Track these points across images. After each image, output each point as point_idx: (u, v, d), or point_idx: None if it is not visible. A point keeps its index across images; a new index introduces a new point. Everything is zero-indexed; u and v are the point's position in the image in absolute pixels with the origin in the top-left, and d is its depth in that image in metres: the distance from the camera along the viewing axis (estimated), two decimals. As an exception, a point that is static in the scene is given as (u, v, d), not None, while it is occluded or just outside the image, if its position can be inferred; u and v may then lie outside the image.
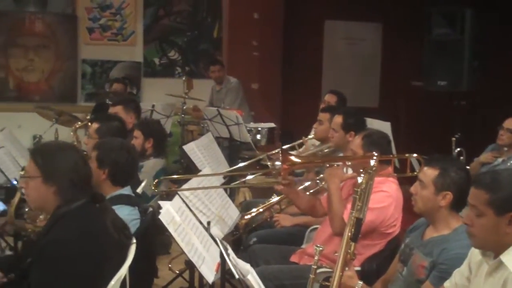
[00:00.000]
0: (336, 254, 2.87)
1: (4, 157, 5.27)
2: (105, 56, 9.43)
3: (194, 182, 3.99)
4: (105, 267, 2.78)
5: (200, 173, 4.36)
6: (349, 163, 3.89)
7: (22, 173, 3.77)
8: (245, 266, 2.63)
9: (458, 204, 3.09)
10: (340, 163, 3.86)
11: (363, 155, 3.74)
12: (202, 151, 5.55)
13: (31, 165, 2.89)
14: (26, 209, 4.80)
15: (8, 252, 5.54)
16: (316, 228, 4.27)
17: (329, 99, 6.52)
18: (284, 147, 5.21)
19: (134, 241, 2.98)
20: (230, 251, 2.66)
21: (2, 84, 9.19)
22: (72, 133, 5.89)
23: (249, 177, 5.43)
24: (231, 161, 6.39)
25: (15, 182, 4.96)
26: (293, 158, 3.65)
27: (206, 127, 7.61)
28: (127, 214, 3.42)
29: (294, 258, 4.06)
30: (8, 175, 5.15)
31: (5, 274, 3.08)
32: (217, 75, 8.65)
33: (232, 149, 7.27)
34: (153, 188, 4.32)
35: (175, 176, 4.53)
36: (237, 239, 4.97)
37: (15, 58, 9.19)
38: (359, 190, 2.94)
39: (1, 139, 5.79)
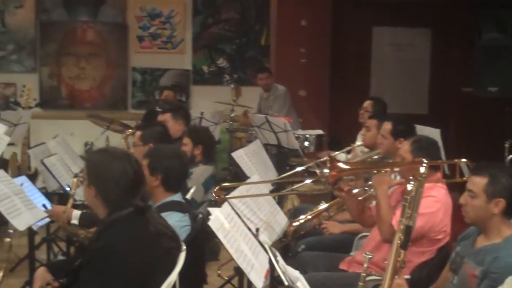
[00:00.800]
0: (386, 262, 2.86)
1: (57, 163, 5.36)
2: (155, 64, 9.55)
3: (243, 189, 4.02)
4: (154, 274, 2.82)
5: (249, 180, 4.38)
6: (398, 169, 3.87)
7: (75, 180, 3.86)
8: (294, 273, 2.64)
9: (511, 211, 3.05)
10: (388, 169, 3.83)
11: (411, 161, 3.71)
12: (251, 158, 5.57)
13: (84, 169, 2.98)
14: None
15: (60, 257, 5.66)
16: (365, 236, 4.26)
17: (368, 105, 6.50)
18: (333, 154, 5.20)
19: (184, 247, 3.02)
20: (279, 257, 2.67)
21: (55, 92, 9.39)
22: (123, 140, 5.98)
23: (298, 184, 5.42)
24: (279, 168, 6.40)
25: (67, 188, 5.04)
26: (341, 164, 3.64)
27: (254, 134, 7.64)
28: (178, 221, 3.47)
29: (343, 266, 4.05)
30: (61, 181, 5.23)
31: (57, 279, 3.13)
32: (265, 82, 8.67)
33: (280, 156, 7.28)
34: (214, 194, 4.33)
35: (228, 184, 4.53)
36: (285, 246, 4.97)
37: (67, 67, 9.38)
38: (408, 197, 2.91)
39: (54, 146, 5.90)
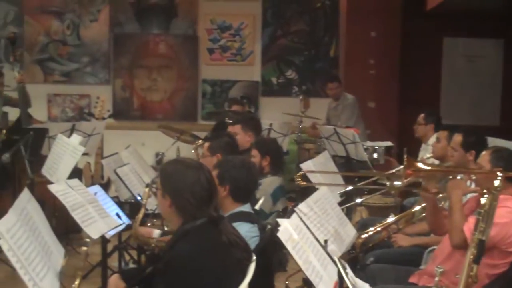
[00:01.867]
0: (458, 276, 2.82)
1: (129, 173, 5.46)
2: (225, 76, 9.66)
3: (310, 201, 4.02)
4: (226, 284, 2.86)
5: (317, 192, 4.39)
6: (474, 177, 3.81)
7: (146, 189, 3.95)
8: (364, 286, 2.63)
9: None
10: (464, 175, 3.78)
11: (489, 170, 3.65)
12: (319, 169, 5.57)
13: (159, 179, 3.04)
14: (149, 224, 5.00)
15: (131, 265, 5.77)
16: (435, 249, 4.20)
17: (421, 119, 6.56)
18: (399, 168, 5.15)
19: (254, 258, 3.05)
20: (348, 269, 2.67)
21: (127, 103, 9.61)
22: (193, 151, 6.06)
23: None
24: (347, 179, 6.38)
25: (139, 198, 5.14)
26: (418, 164, 3.60)
27: (323, 146, 7.63)
28: (247, 231, 3.50)
29: (413, 279, 4.01)
30: (133, 190, 5.33)
31: (130, 286, 3.19)
32: (335, 92, 8.65)
33: (348, 167, 7.26)
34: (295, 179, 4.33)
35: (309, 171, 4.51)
36: (354, 258, 4.95)
37: (139, 79, 9.59)
38: (482, 211, 2.87)
39: (127, 156, 6.01)
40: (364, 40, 9.29)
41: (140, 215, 3.69)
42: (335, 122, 8.38)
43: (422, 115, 6.72)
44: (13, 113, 7.37)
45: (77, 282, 3.14)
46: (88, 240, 3.62)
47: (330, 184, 4.38)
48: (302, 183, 4.31)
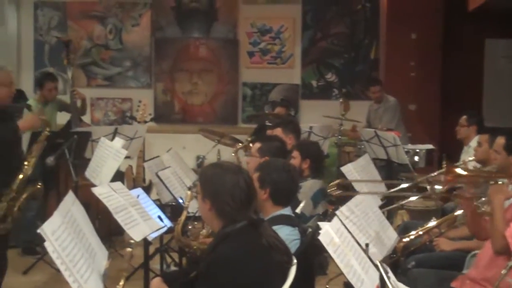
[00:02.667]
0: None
1: (171, 176, 5.50)
2: (265, 79, 9.68)
3: (351, 204, 4.01)
4: (266, 286, 2.88)
5: (358, 195, 4.37)
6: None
7: (189, 192, 3.98)
8: (406, 290, 2.62)
9: None
10: (506, 180, 3.74)
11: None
12: (360, 172, 5.56)
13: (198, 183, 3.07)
14: (190, 227, 5.04)
15: (173, 267, 5.82)
16: (477, 254, 4.16)
17: (463, 121, 6.49)
18: (440, 171, 5.10)
19: (295, 261, 3.06)
20: (390, 274, 2.66)
21: (168, 107, 9.69)
22: (233, 154, 6.09)
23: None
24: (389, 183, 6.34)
25: (181, 200, 5.18)
26: (458, 170, 3.58)
27: (363, 149, 7.61)
28: (287, 234, 3.50)
29: (455, 284, 3.97)
30: (174, 193, 5.37)
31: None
32: (377, 95, 8.62)
33: (389, 170, 7.22)
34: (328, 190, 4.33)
35: (346, 180, 4.53)
36: (395, 262, 4.93)
37: (180, 82, 9.67)
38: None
39: (168, 159, 6.06)
40: (404, 42, 9.24)
41: (182, 218, 3.71)
42: (376, 124, 8.34)
43: (464, 117, 6.67)
44: (63, 117, 7.50)
45: (121, 283, 3.19)
46: (132, 241, 3.66)
47: (367, 193, 4.35)
48: (336, 193, 4.28)
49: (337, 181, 4.60)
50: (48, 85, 7.20)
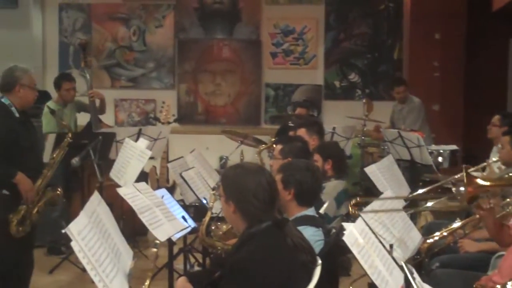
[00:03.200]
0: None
1: (194, 177, 5.51)
2: (287, 79, 9.68)
3: (375, 205, 4.01)
4: (292, 286, 2.88)
5: (382, 196, 4.37)
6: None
7: (212, 193, 4.01)
8: (431, 291, 2.61)
9: None
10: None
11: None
12: (384, 173, 5.53)
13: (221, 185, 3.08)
14: (213, 227, 5.05)
15: (196, 268, 5.85)
16: (502, 255, 4.13)
17: (496, 121, 6.39)
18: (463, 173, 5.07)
19: (320, 262, 3.06)
20: (415, 275, 2.65)
21: (192, 108, 9.73)
22: (256, 155, 6.10)
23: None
24: (412, 183, 6.32)
25: (204, 201, 5.20)
26: (479, 181, 3.55)
27: (387, 149, 7.58)
28: (311, 235, 3.50)
29: (479, 285, 3.95)
30: (198, 194, 5.40)
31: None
32: (402, 95, 8.59)
33: (413, 171, 7.19)
34: (351, 210, 4.33)
35: (363, 198, 4.54)
36: (419, 263, 4.91)
37: (203, 83, 9.71)
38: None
39: (192, 160, 6.09)
40: (428, 42, 9.20)
41: (207, 219, 3.73)
42: (399, 125, 8.31)
43: (497, 117, 6.54)
44: (83, 118, 7.56)
45: (147, 283, 3.21)
46: (157, 242, 3.69)
47: (389, 198, 4.33)
48: (355, 213, 4.26)
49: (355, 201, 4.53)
50: (66, 85, 7.20)
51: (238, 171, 3.07)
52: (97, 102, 7.35)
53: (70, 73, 8.12)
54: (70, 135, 5.18)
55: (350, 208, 4.28)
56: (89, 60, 7.50)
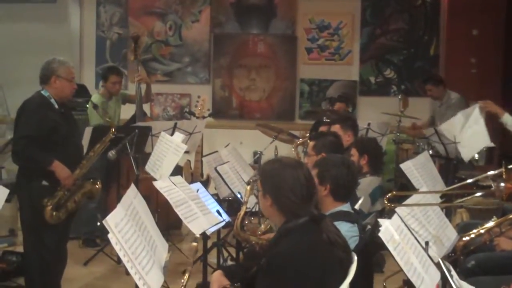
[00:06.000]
0: None
1: (229, 171, 5.53)
2: (322, 75, 9.64)
3: (410, 201, 3.98)
4: (327, 283, 2.88)
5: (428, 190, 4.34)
6: None
7: (248, 187, 4.01)
8: (469, 288, 2.59)
9: None
10: None
11: None
12: (419, 170, 5.50)
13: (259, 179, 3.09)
14: (246, 222, 5.07)
15: (229, 262, 5.87)
16: (539, 254, 4.08)
17: None
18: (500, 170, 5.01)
19: (355, 258, 3.05)
20: (453, 272, 2.63)
21: (227, 102, 9.75)
22: (293, 150, 6.10)
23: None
24: (447, 180, 6.27)
25: (239, 195, 5.22)
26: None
27: (422, 146, 7.53)
28: (347, 231, 3.50)
29: (515, 286, 3.90)
30: (232, 188, 5.42)
31: (232, 283, 3.25)
32: (432, 93, 8.53)
33: (448, 168, 7.13)
34: (386, 203, 4.32)
35: (405, 192, 4.51)
36: (454, 261, 4.87)
37: (238, 78, 9.72)
38: None
39: (226, 155, 6.11)
40: (465, 39, 9.09)
41: (242, 213, 3.73)
42: (440, 121, 8.24)
43: None
44: (127, 112, 7.64)
45: (186, 277, 3.23)
46: (198, 236, 3.71)
47: (425, 192, 4.31)
48: (391, 208, 4.23)
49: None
50: (113, 78, 7.31)
51: (276, 165, 3.08)
52: (143, 88, 7.42)
53: (117, 67, 8.21)
54: (113, 130, 5.23)
55: (385, 202, 4.24)
56: (139, 54, 7.60)
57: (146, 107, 9.42)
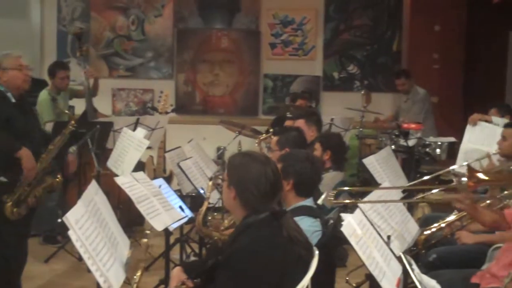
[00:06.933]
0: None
1: (192, 167, 5.52)
2: (286, 70, 9.66)
3: (373, 196, 4.00)
4: (286, 278, 2.87)
5: (380, 186, 4.36)
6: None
7: (210, 183, 3.99)
8: (430, 282, 2.61)
9: None
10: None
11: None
12: (381, 164, 5.54)
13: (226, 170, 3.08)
14: (209, 218, 5.04)
15: (192, 258, 5.85)
16: (499, 247, 4.13)
17: (494, 114, 6.40)
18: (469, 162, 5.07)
19: (316, 253, 3.05)
20: (414, 266, 2.65)
21: (190, 98, 9.71)
22: (256, 145, 6.09)
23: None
24: (409, 175, 6.32)
25: (202, 191, 5.19)
26: (480, 175, 3.54)
27: (384, 141, 7.58)
28: (309, 225, 3.50)
29: (475, 279, 3.94)
30: (195, 184, 5.39)
31: (191, 279, 3.23)
32: (402, 88, 8.63)
33: (410, 163, 7.19)
34: (332, 200, 4.35)
35: (357, 188, 4.55)
36: (416, 255, 4.91)
37: (202, 73, 9.67)
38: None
39: (189, 150, 6.09)
40: (427, 34, 9.19)
41: (204, 208, 3.71)
42: (405, 117, 8.31)
43: (494, 110, 6.56)
44: (80, 107, 7.54)
45: (138, 274, 3.19)
46: (148, 232, 3.67)
47: (387, 188, 4.33)
48: (333, 201, 4.25)
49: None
50: (60, 73, 7.18)
51: (245, 159, 3.07)
52: (90, 82, 7.32)
53: (64, 61, 8.09)
54: (73, 122, 5.15)
55: (331, 198, 4.25)
56: (84, 50, 7.48)
57: (108, 102, 9.38)
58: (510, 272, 2.86)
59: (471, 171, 3.51)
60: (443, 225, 4.67)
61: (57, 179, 5.00)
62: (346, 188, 4.74)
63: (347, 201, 4.12)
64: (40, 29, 9.80)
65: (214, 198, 5.41)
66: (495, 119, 6.31)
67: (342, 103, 8.86)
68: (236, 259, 2.84)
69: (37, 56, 9.54)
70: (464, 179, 3.54)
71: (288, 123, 6.40)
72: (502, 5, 7.99)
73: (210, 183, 3.79)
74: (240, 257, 2.83)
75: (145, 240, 3.50)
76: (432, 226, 4.67)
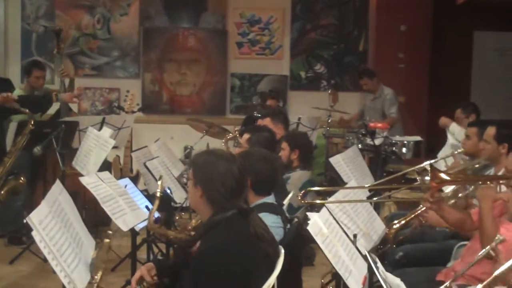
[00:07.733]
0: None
1: (158, 166, 5.50)
2: (253, 69, 9.65)
3: (339, 195, 4.02)
4: (254, 277, 2.87)
5: (346, 186, 4.38)
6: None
7: (159, 182, 3.92)
8: (395, 280, 2.62)
9: None
10: (494, 183, 3.70)
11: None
12: (348, 163, 5.56)
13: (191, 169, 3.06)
14: (177, 217, 5.02)
15: (159, 258, 5.81)
16: (464, 245, 4.17)
17: (458, 114, 6.50)
18: (433, 161, 5.11)
19: (283, 251, 3.05)
20: (379, 264, 2.66)
21: (157, 97, 9.65)
22: (223, 144, 6.08)
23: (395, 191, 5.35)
24: (376, 174, 6.36)
25: (168, 191, 5.17)
26: (442, 175, 3.56)
27: (351, 140, 7.62)
28: (273, 222, 3.50)
29: (440, 277, 3.97)
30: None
31: (159, 276, 3.21)
32: (367, 87, 8.71)
33: (377, 162, 7.23)
34: (299, 199, 4.34)
35: (323, 188, 4.56)
36: (383, 253, 4.93)
37: (168, 73, 9.62)
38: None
39: (156, 150, 6.06)
40: (393, 34, 9.26)
41: (155, 207, 3.61)
42: (371, 115, 8.36)
43: (458, 110, 6.64)
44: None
45: (99, 274, 3.15)
46: (110, 232, 3.61)
47: (353, 187, 4.35)
48: (304, 202, 4.25)
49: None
50: (36, 73, 7.11)
51: (210, 157, 3.05)
52: (66, 82, 7.25)
53: (41, 61, 7.99)
54: (32, 122, 5.10)
55: (299, 197, 4.24)
56: (62, 48, 7.40)
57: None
58: (498, 237, 2.85)
59: (433, 171, 3.53)
60: (408, 219, 4.65)
61: (20, 181, 4.94)
62: (314, 188, 4.75)
63: (316, 201, 4.12)
64: (4, 27, 9.65)
65: (181, 197, 5.41)
66: (452, 127, 6.42)
67: (309, 103, 8.89)
68: (203, 257, 2.84)
69: (0, 55, 9.40)
70: (428, 178, 3.56)
71: (260, 122, 6.40)
72: (467, 5, 8.09)
73: (159, 182, 3.70)
74: (206, 255, 2.82)
75: (107, 240, 3.45)
76: (400, 219, 4.62)
